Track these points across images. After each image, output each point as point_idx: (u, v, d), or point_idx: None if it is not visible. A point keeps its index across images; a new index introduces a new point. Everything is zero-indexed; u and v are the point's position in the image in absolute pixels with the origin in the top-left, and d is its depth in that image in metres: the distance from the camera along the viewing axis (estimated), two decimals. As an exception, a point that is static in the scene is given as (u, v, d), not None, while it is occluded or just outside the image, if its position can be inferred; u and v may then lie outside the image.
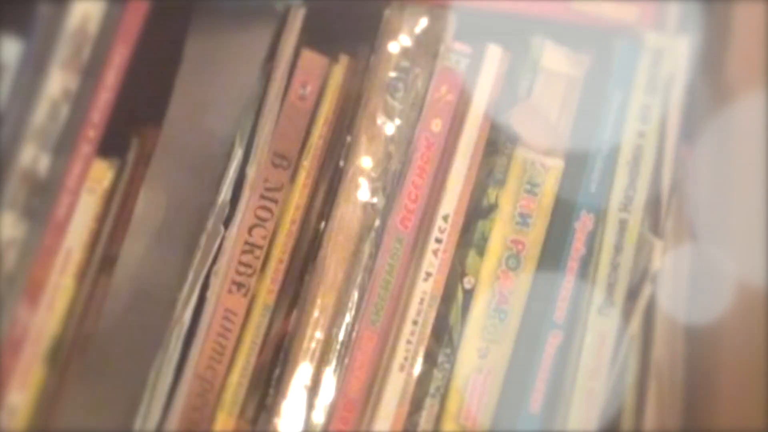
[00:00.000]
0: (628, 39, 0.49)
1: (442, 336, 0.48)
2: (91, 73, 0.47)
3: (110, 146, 0.48)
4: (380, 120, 0.47)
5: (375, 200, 0.47)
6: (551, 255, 0.48)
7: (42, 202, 0.46)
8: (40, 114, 0.46)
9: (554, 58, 0.49)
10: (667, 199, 0.49)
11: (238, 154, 0.47)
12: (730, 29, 0.50)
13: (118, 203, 0.49)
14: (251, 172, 0.47)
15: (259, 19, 0.48)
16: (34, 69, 0.46)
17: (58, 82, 0.46)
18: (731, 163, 0.51)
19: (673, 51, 0.49)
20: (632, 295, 0.49)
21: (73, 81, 0.46)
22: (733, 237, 0.51)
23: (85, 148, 0.47)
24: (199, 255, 0.47)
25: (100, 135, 0.47)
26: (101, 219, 0.48)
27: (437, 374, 0.48)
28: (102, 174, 0.48)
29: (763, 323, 0.48)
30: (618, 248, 0.48)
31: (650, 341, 0.49)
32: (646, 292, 0.48)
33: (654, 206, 0.50)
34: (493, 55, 0.48)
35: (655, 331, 0.49)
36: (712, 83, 0.51)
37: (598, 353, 0.48)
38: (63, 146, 0.46)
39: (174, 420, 0.47)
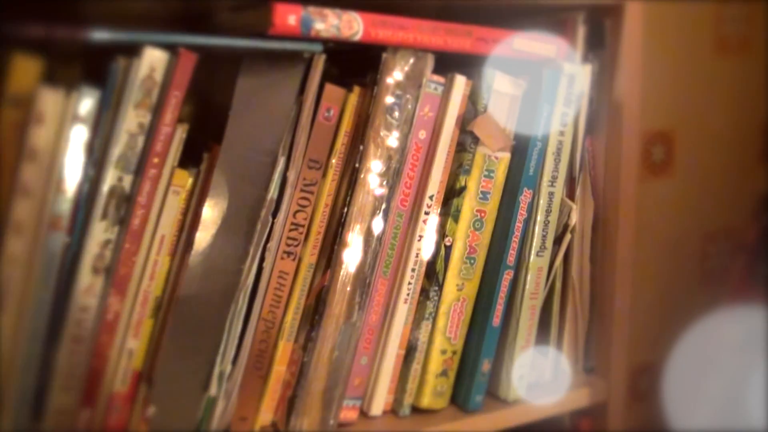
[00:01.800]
0: (552, 68, 0.64)
1: (432, 278, 0.65)
2: (157, 112, 0.55)
3: (189, 160, 0.59)
4: (383, 133, 0.61)
5: (382, 191, 0.62)
6: (504, 219, 0.65)
7: (126, 211, 0.56)
8: (120, 145, 0.55)
9: (502, 83, 0.63)
10: (578, 176, 0.69)
11: (281, 162, 0.60)
12: (617, 59, 0.68)
13: (197, 201, 0.60)
14: (291, 175, 0.60)
15: (291, 63, 0.59)
16: (113, 110, 0.54)
17: (133, 118, 0.55)
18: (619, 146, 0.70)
19: (582, 75, 0.66)
20: (557, 241, 0.68)
21: (146, 117, 0.55)
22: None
23: (151, 171, 0.56)
24: (255, 237, 0.60)
25: (164, 160, 0.56)
26: (185, 212, 0.59)
27: (429, 304, 0.65)
28: (184, 180, 0.58)
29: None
30: (548, 211, 0.66)
31: (569, 267, 0.69)
32: (566, 238, 0.68)
33: (570, 181, 0.68)
34: (460, 83, 0.62)
35: (572, 261, 0.70)
36: (604, 97, 0.69)
37: (536, 281, 0.67)
38: (138, 169, 0.56)
39: (246, 349, 0.61)
